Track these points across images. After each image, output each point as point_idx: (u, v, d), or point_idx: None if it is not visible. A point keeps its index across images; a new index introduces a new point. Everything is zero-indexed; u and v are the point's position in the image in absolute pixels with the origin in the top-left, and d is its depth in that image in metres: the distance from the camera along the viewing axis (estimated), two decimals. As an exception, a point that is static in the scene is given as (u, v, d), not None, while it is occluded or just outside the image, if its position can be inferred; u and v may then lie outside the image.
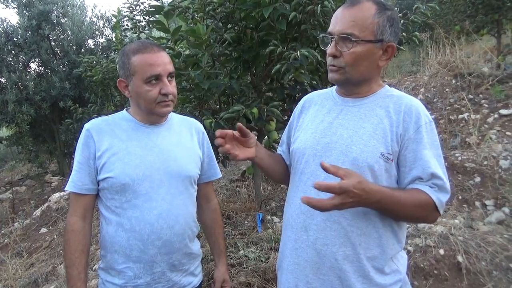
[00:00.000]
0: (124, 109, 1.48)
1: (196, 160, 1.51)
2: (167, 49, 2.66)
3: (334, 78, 1.23)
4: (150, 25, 3.58)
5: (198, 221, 1.56)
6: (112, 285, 1.38)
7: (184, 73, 2.64)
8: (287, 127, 1.49)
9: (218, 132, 1.21)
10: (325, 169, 0.99)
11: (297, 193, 1.28)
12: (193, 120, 1.62)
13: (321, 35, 1.24)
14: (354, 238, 1.17)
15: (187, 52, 2.86)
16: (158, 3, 2.52)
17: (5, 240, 4.73)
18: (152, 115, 1.42)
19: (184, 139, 1.50)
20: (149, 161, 1.37)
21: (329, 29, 1.22)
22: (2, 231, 5.32)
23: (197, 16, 2.74)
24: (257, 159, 1.34)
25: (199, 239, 1.60)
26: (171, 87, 1.36)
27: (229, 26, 2.90)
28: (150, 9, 2.61)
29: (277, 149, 1.58)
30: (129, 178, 1.33)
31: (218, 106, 3.16)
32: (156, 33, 4.47)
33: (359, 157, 1.16)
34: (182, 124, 1.55)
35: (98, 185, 1.38)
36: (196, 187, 1.53)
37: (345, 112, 1.27)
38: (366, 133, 1.19)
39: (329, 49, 1.21)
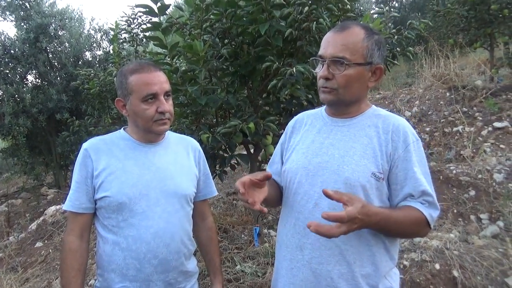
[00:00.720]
0: (122, 128, 1.50)
1: (192, 179, 1.52)
2: (164, 65, 2.70)
3: (327, 99, 1.26)
4: (148, 40, 3.60)
5: (193, 238, 1.57)
6: None
7: (181, 88, 2.66)
8: (278, 147, 1.50)
9: (240, 186, 1.11)
10: (328, 196, 1.01)
11: (291, 213, 1.30)
12: (189, 138, 1.64)
13: (311, 58, 1.30)
14: (348, 256, 1.19)
15: (184, 67, 2.89)
16: (156, 20, 2.55)
17: (0, 255, 4.69)
18: (150, 133, 1.43)
19: (180, 158, 1.52)
20: (146, 179, 1.39)
21: (320, 53, 1.25)
22: (-3, 245, 5.27)
23: (194, 32, 2.78)
24: (268, 197, 1.28)
25: (195, 255, 1.61)
26: (167, 105, 1.39)
27: (226, 41, 2.95)
28: (148, 26, 2.63)
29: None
30: (126, 197, 1.34)
31: (215, 121, 3.18)
32: (153, 46, 4.51)
33: (351, 176, 1.19)
34: (179, 143, 1.56)
35: (96, 204, 1.39)
36: (192, 205, 1.54)
37: (335, 132, 1.30)
38: (357, 153, 1.22)
39: (322, 71, 1.24)
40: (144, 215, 1.36)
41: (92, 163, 1.38)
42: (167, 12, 2.60)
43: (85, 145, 1.42)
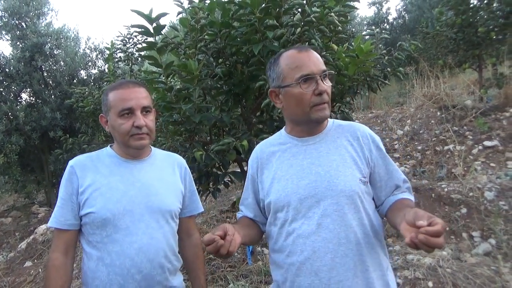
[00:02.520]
0: (109, 146, 1.53)
1: (177, 195, 1.53)
2: (159, 83, 2.73)
3: (326, 115, 1.27)
4: (143, 59, 3.65)
5: (180, 254, 1.57)
6: None
7: (175, 106, 2.69)
8: (249, 183, 1.45)
9: (206, 243, 1.05)
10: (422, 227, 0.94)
11: (302, 239, 1.24)
12: (176, 155, 1.66)
13: (302, 79, 1.24)
14: (361, 265, 1.21)
15: (179, 86, 2.93)
16: (151, 39, 2.60)
17: (-12, 274, 4.59)
18: (128, 148, 1.45)
19: (166, 174, 1.53)
20: (130, 195, 1.40)
21: (309, 71, 1.23)
22: (-15, 264, 5.17)
23: (189, 52, 2.83)
24: (243, 239, 1.23)
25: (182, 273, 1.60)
26: (147, 120, 1.41)
27: (220, 60, 3.00)
28: (144, 46, 2.68)
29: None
30: (109, 212, 1.35)
31: (209, 139, 3.21)
32: (149, 65, 4.57)
33: (345, 188, 1.22)
34: (165, 160, 1.58)
35: (81, 221, 1.40)
36: (177, 221, 1.55)
37: (309, 152, 1.31)
38: (340, 164, 1.26)
39: (321, 86, 1.23)
40: (128, 231, 1.36)
41: (77, 179, 1.39)
42: (162, 32, 2.66)
43: (71, 162, 1.44)
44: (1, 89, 7.49)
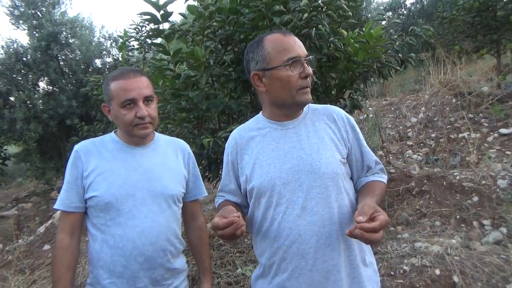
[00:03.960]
0: (113, 131, 1.56)
1: (180, 180, 1.57)
2: (167, 71, 2.76)
3: (310, 98, 1.29)
4: (153, 47, 3.67)
5: (184, 238, 1.61)
6: None
7: (183, 93, 2.72)
8: (228, 169, 1.44)
9: (224, 225, 1.11)
10: (363, 229, 1.04)
11: (288, 223, 1.25)
12: (179, 140, 1.68)
13: (291, 61, 1.24)
14: (343, 245, 1.26)
15: (187, 72, 2.94)
16: (159, 27, 2.62)
17: (9, 257, 4.78)
18: (132, 137, 1.49)
19: (169, 160, 1.56)
20: (133, 180, 1.44)
21: (296, 54, 1.25)
22: (7, 248, 5.37)
23: (196, 39, 2.84)
24: None
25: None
26: (149, 109, 1.44)
27: (228, 48, 3.00)
28: (151, 33, 2.70)
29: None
30: (112, 197, 1.39)
31: (218, 126, 3.23)
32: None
33: (327, 170, 1.25)
34: (168, 145, 1.61)
35: (86, 204, 1.45)
36: (180, 205, 1.59)
37: (290, 135, 1.32)
38: (320, 147, 1.29)
39: (308, 70, 1.25)
40: (130, 214, 1.41)
41: (82, 164, 1.43)
42: (171, 20, 2.67)
43: (76, 147, 1.48)
44: (19, 78, 7.68)
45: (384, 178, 1.40)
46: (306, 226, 1.23)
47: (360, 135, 1.39)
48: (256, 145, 1.35)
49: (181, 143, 1.67)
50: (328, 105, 1.42)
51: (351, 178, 1.39)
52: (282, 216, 1.25)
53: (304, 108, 1.36)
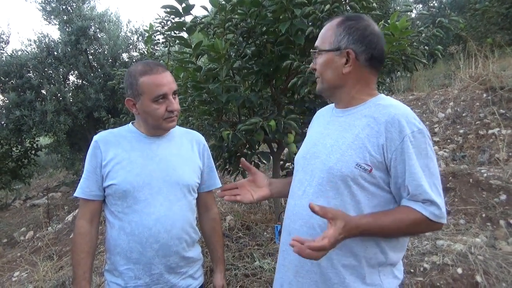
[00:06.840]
0: (130, 123, 1.61)
1: (195, 170, 1.60)
2: (189, 63, 2.78)
3: (317, 88, 1.34)
4: (176, 40, 3.71)
5: (198, 228, 1.64)
6: (115, 285, 1.49)
7: (204, 86, 2.74)
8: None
9: (222, 192, 1.46)
10: (314, 211, 1.02)
11: (292, 200, 1.34)
12: (194, 132, 1.72)
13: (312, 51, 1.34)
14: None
15: (208, 65, 2.96)
16: (181, 20, 2.64)
17: (39, 244, 4.99)
18: (159, 130, 1.53)
19: (184, 150, 1.60)
20: (149, 169, 1.48)
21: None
22: (37, 235, 5.61)
23: (218, 31, 2.85)
24: (275, 195, 1.50)
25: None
26: (176, 104, 1.49)
27: (250, 41, 2.99)
28: (173, 25, 2.73)
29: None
30: (130, 185, 1.44)
31: (237, 119, 3.24)
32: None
33: (335, 166, 1.19)
34: (184, 136, 1.65)
35: (104, 192, 1.49)
36: (195, 195, 1.62)
37: (332, 122, 1.32)
38: (345, 143, 1.21)
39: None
40: (146, 203, 1.45)
41: (101, 153, 1.48)
42: (192, 13, 2.68)
43: (95, 137, 1.53)
44: (50, 71, 7.94)
45: (425, 210, 1.10)
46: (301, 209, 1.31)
47: (412, 150, 1.12)
48: (315, 124, 1.48)
49: (196, 134, 1.70)
50: (395, 105, 1.21)
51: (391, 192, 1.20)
52: (293, 191, 1.35)
53: (370, 100, 1.25)
